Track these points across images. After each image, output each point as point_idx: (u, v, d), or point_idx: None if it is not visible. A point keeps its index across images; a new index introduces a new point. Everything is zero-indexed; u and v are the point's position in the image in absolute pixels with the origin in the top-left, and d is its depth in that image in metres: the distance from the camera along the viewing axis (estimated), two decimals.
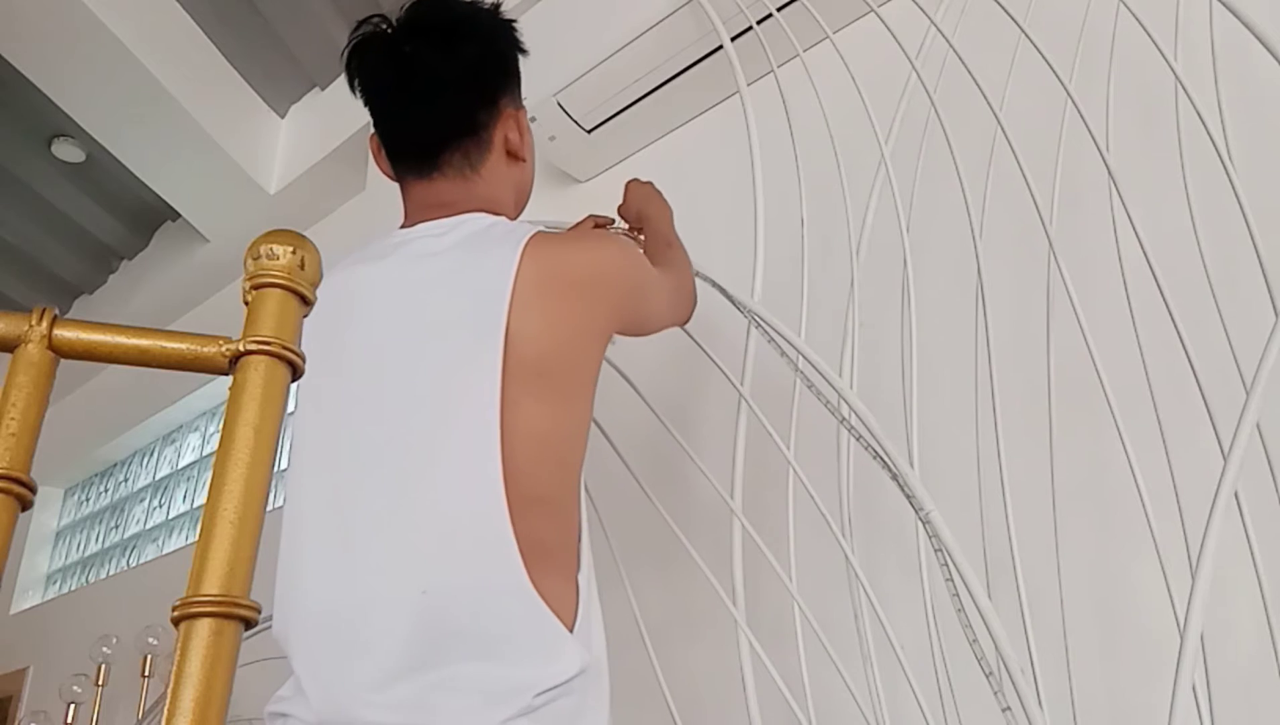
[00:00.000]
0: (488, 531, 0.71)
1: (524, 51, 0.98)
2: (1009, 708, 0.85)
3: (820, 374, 1.05)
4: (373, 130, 0.96)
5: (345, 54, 0.92)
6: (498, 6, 0.96)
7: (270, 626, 0.78)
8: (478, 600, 0.71)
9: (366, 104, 0.93)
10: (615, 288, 0.86)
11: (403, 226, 0.92)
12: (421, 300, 0.81)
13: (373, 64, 0.92)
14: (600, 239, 0.92)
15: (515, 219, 0.95)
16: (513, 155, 0.95)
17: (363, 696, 0.69)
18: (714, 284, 1.19)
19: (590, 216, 1.29)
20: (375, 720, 0.68)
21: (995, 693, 0.85)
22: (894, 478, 0.94)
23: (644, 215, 1.17)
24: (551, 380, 0.78)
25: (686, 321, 1.09)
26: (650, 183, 1.22)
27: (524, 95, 1.00)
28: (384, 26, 0.91)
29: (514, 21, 0.96)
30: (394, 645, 0.69)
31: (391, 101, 0.92)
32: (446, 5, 0.92)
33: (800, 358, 1.09)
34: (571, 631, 0.73)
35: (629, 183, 1.23)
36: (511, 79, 0.96)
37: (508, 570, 0.70)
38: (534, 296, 0.78)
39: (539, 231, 0.84)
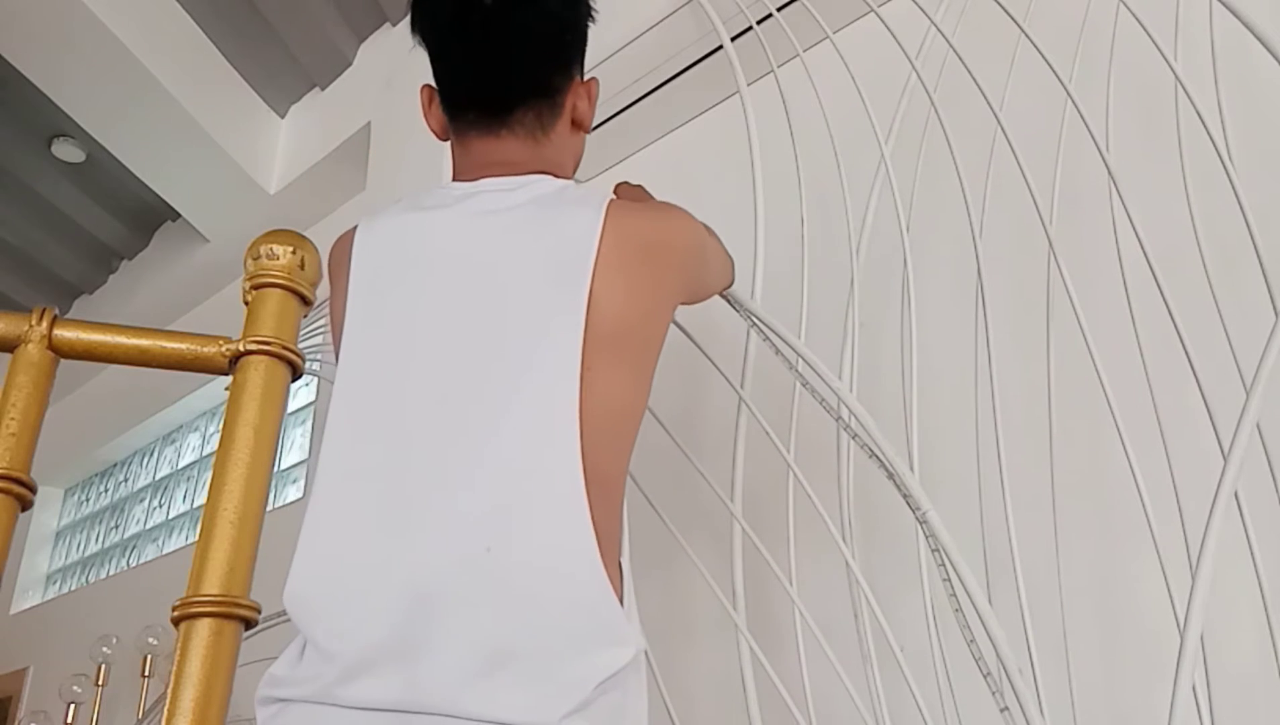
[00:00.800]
0: (563, 503, 0.68)
1: (594, 20, 0.94)
2: (1007, 708, 0.85)
3: (819, 376, 1.05)
4: (427, 83, 0.91)
5: (424, 6, 0.88)
6: None
7: (270, 626, 0.78)
8: (550, 571, 0.67)
9: (432, 48, 0.89)
10: (689, 255, 0.87)
11: (459, 180, 0.88)
12: (494, 255, 0.77)
13: (449, 10, 0.87)
14: (670, 207, 0.90)
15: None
16: (578, 124, 0.93)
17: (425, 664, 0.64)
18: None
19: (624, 183, 1.22)
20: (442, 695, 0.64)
21: (994, 693, 0.85)
22: (890, 477, 0.94)
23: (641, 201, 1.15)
24: (627, 352, 0.75)
25: (731, 284, 1.09)
26: (640, 186, 1.18)
27: None
28: None
29: None
30: (457, 609, 0.65)
31: (466, 50, 0.87)
32: None
33: (799, 360, 1.09)
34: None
35: (619, 186, 1.20)
36: (583, 48, 0.93)
37: (583, 546, 0.67)
38: (617, 263, 0.75)
39: (614, 198, 0.82)
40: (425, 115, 0.92)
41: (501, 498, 0.68)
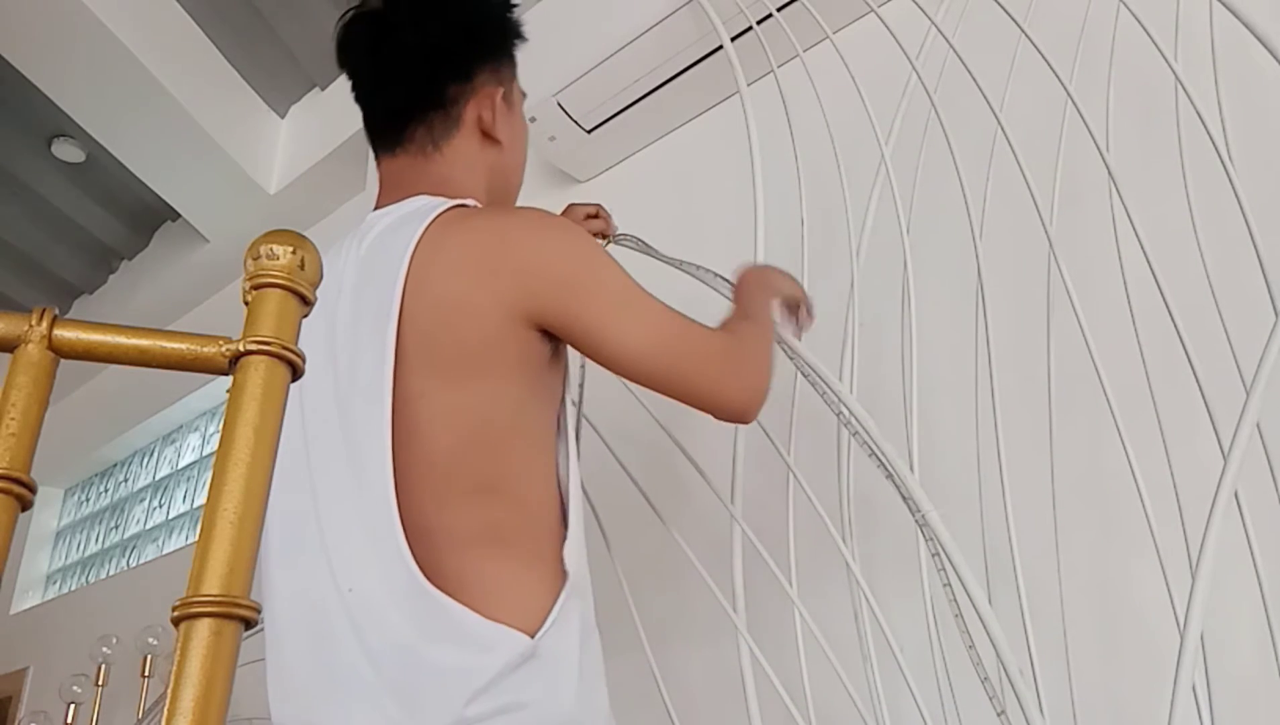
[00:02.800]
0: (382, 527, 0.69)
1: (520, 35, 0.95)
2: (1004, 711, 0.85)
3: (819, 377, 1.05)
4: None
5: (336, 29, 0.91)
6: None
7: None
8: (387, 595, 0.69)
9: (349, 78, 0.92)
10: (523, 267, 0.75)
11: (373, 210, 0.90)
12: (339, 297, 0.79)
13: (355, 34, 0.90)
14: (528, 215, 0.80)
15: (486, 204, 0.90)
16: (486, 135, 0.90)
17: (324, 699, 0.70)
18: (718, 282, 1.19)
19: (572, 206, 1.20)
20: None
21: (991, 698, 0.85)
22: (890, 478, 0.94)
23: (743, 291, 1.00)
24: (455, 363, 0.73)
25: (724, 406, 0.81)
26: (773, 270, 1.05)
27: (523, 91, 0.99)
28: (371, 4, 0.90)
29: (515, 5, 0.94)
30: (336, 645, 0.70)
31: (363, 73, 0.91)
32: None
33: (800, 360, 1.09)
34: (542, 620, 0.70)
35: (749, 272, 1.04)
36: (493, 55, 0.92)
37: (400, 567, 0.69)
38: (427, 274, 0.74)
39: (457, 207, 0.80)
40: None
41: (350, 543, 0.72)
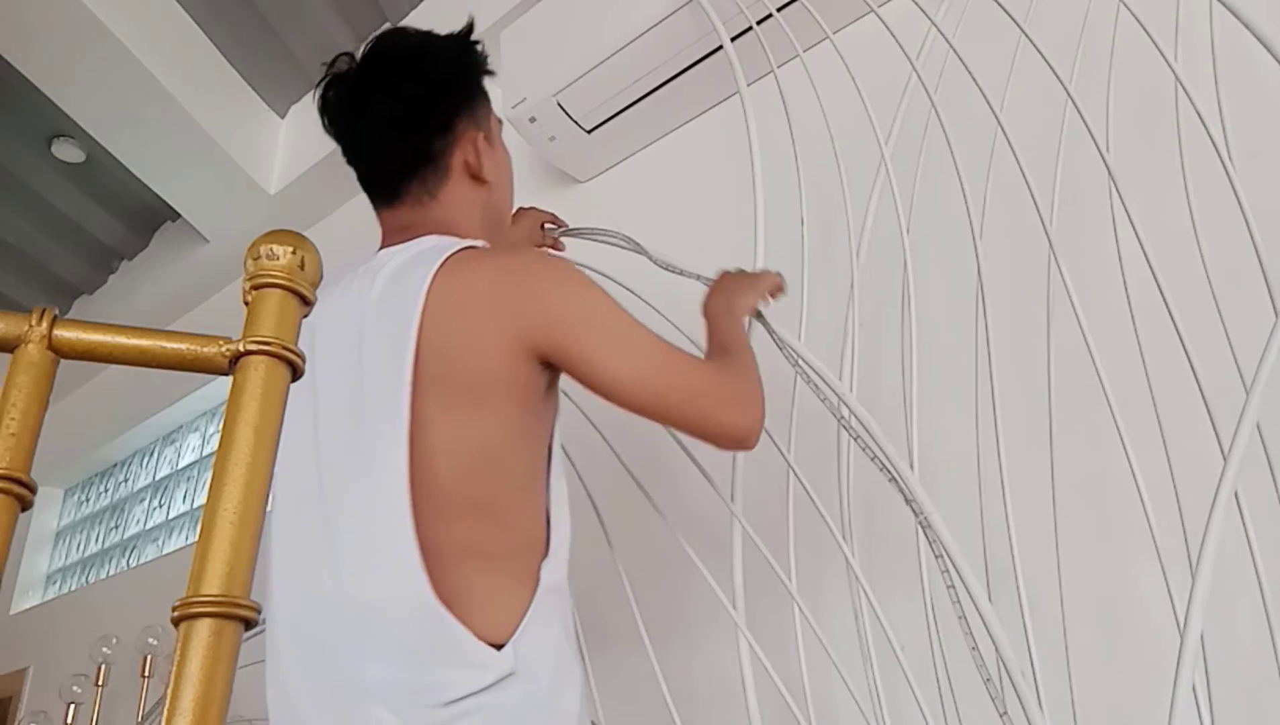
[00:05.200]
0: (396, 547, 0.74)
1: (489, 72, 1.00)
2: (1006, 712, 0.85)
3: (820, 377, 1.05)
4: None
5: (316, 96, 0.97)
6: (458, 33, 0.98)
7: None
8: (390, 610, 0.74)
9: (337, 142, 0.98)
10: (523, 311, 0.80)
11: (378, 250, 0.95)
12: (361, 328, 0.83)
13: (335, 104, 0.95)
14: (532, 259, 0.87)
15: (484, 238, 0.95)
16: (475, 177, 0.96)
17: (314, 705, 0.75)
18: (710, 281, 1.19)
19: (526, 211, 1.30)
20: None
21: (994, 699, 0.85)
22: (892, 479, 0.94)
23: (713, 323, 1.03)
24: (463, 392, 0.79)
25: (722, 435, 0.86)
26: (744, 274, 1.09)
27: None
28: (345, 65, 0.95)
29: (476, 43, 0.98)
30: (335, 657, 0.75)
31: (351, 139, 0.96)
32: (400, 40, 0.96)
33: (800, 361, 1.09)
34: (509, 637, 0.75)
35: (722, 278, 1.09)
36: (468, 103, 0.97)
37: (411, 581, 0.73)
38: (441, 310, 0.80)
39: (469, 248, 0.85)
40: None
41: (360, 557, 0.76)
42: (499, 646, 0.74)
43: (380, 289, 0.85)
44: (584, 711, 0.79)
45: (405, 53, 0.95)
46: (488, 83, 1.00)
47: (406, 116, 0.93)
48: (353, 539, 0.77)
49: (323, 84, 0.96)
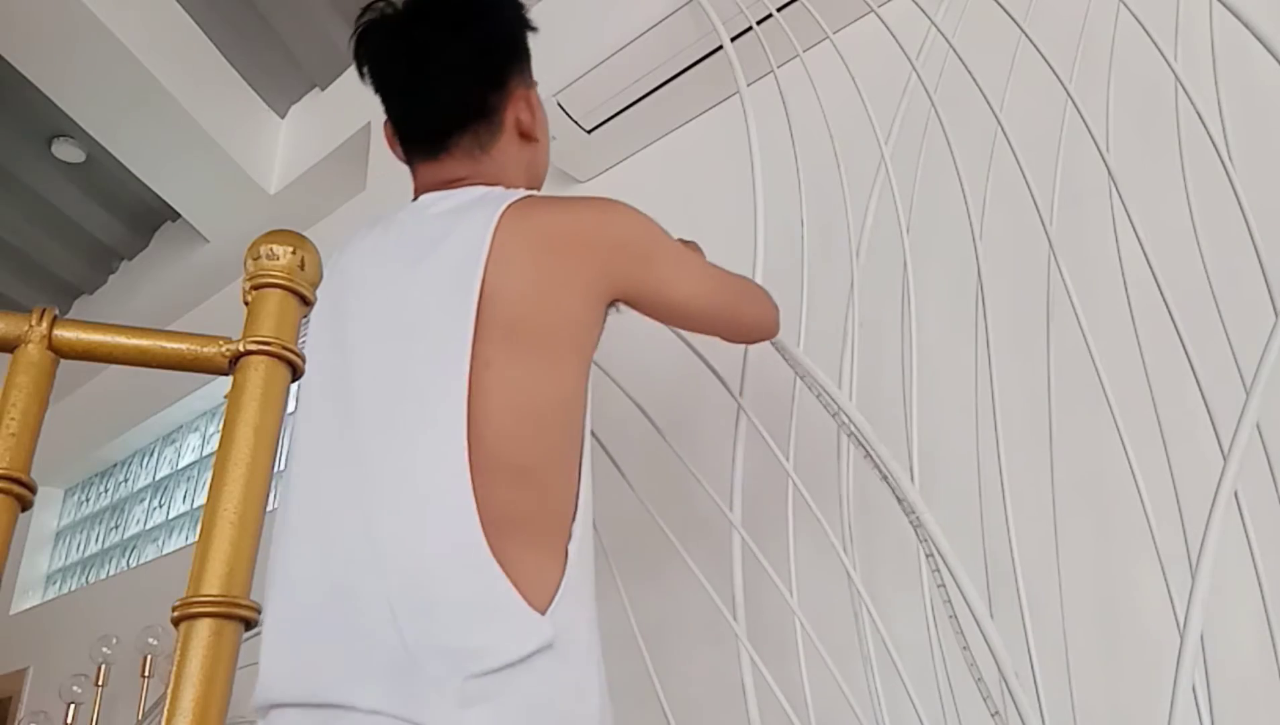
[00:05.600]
0: (450, 497, 0.70)
1: (533, 29, 0.98)
2: (998, 712, 0.85)
3: (817, 382, 1.05)
4: (385, 119, 0.96)
5: (353, 39, 0.92)
6: None
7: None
8: (439, 567, 0.70)
9: (377, 90, 0.94)
10: (601, 245, 0.83)
11: (415, 199, 0.93)
12: (408, 268, 0.81)
13: (381, 50, 0.92)
14: (593, 199, 0.88)
15: (538, 180, 0.97)
16: (525, 135, 0.95)
17: (345, 672, 0.68)
18: None
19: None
20: (354, 699, 0.67)
21: (985, 699, 0.85)
22: (884, 478, 0.94)
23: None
24: (530, 341, 0.76)
25: (757, 328, 1.02)
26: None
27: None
28: (389, 10, 0.91)
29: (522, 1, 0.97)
30: (374, 616, 0.69)
31: (402, 88, 0.93)
32: None
33: (797, 362, 1.09)
34: (546, 608, 0.71)
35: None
36: (521, 59, 0.96)
37: (465, 536, 0.69)
38: (512, 255, 0.77)
39: (531, 195, 0.84)
40: (390, 148, 0.98)
41: (408, 510, 0.71)
42: (539, 615, 0.70)
43: (433, 229, 0.82)
44: (607, 692, 0.76)
45: (461, 3, 0.92)
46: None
47: (466, 67, 0.90)
48: (397, 494, 0.72)
49: (362, 28, 0.92)
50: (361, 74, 0.94)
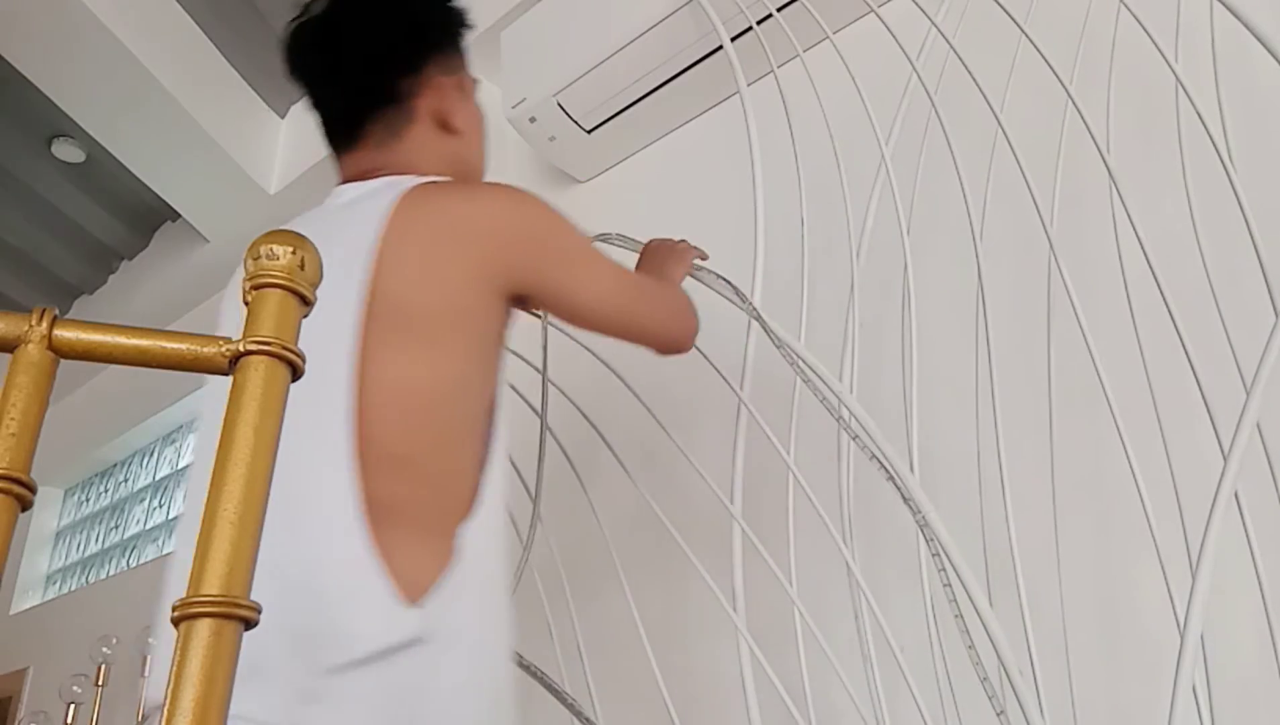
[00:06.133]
0: (333, 487, 0.69)
1: (464, 24, 0.98)
2: (1003, 711, 0.85)
3: (820, 378, 1.05)
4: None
5: (283, 39, 0.94)
6: None
7: None
8: (320, 558, 0.69)
9: (299, 83, 0.94)
10: (498, 235, 0.81)
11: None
12: None
13: (301, 44, 0.93)
14: (501, 189, 0.86)
15: (476, 174, 0.96)
16: (444, 125, 0.94)
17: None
18: (719, 275, 1.19)
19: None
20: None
21: (990, 697, 0.85)
22: (890, 478, 0.94)
23: (655, 258, 1.15)
24: (414, 328, 0.75)
25: (668, 341, 0.99)
26: (670, 242, 1.18)
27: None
28: (314, 10, 0.93)
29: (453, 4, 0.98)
30: (269, 609, 0.68)
31: (315, 79, 0.93)
32: None
33: (800, 361, 1.09)
34: (419, 600, 0.69)
35: (651, 243, 1.19)
36: (440, 49, 0.95)
37: (344, 526, 0.68)
38: (402, 241, 0.76)
39: (433, 181, 0.84)
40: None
41: (299, 504, 0.69)
42: (410, 607, 0.68)
43: (334, 222, 0.82)
44: (507, 692, 0.74)
45: None
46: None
47: (375, 54, 0.91)
48: (286, 486, 0.69)
49: (289, 31, 0.93)
50: (289, 74, 0.95)
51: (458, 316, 0.78)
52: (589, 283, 0.88)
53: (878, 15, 1.22)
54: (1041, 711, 0.81)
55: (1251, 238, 0.84)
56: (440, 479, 0.76)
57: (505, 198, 0.84)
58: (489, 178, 1.01)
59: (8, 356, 0.34)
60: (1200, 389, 0.86)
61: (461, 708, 0.70)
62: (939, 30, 1.14)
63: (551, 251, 0.85)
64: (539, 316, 1.30)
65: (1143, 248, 0.91)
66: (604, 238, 1.29)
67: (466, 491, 0.77)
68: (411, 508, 0.73)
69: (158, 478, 3.20)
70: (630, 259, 1.31)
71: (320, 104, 0.94)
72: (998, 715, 0.87)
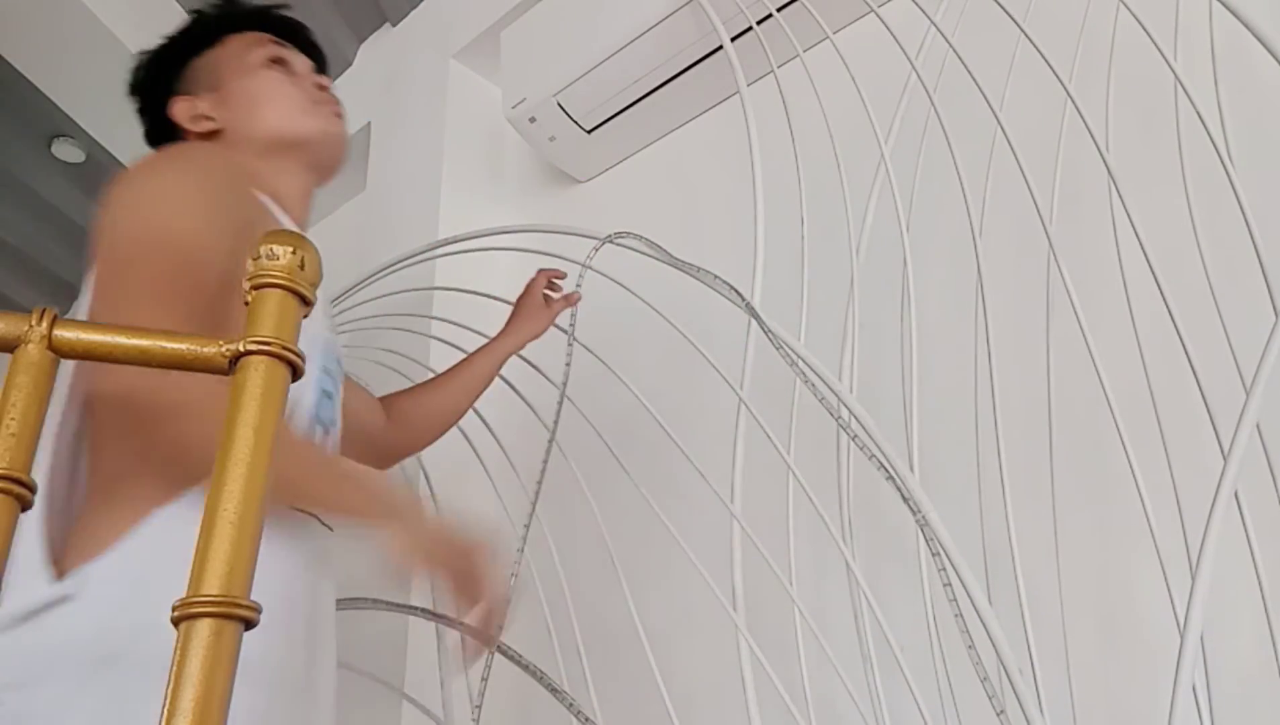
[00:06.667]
0: (40, 468, 0.77)
1: (189, 53, 1.17)
2: (1003, 711, 0.85)
3: (819, 377, 1.05)
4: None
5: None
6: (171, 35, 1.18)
7: None
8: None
9: None
10: (104, 237, 0.92)
11: None
12: None
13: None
14: (140, 173, 0.95)
15: (264, 161, 1.04)
16: (212, 134, 1.05)
17: None
18: (718, 276, 1.19)
19: (541, 272, 1.41)
20: None
21: (990, 697, 0.85)
22: (890, 478, 0.94)
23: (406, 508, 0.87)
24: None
25: (164, 438, 0.77)
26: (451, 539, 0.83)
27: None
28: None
29: (172, 36, 1.19)
30: None
31: None
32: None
33: (800, 361, 1.09)
34: (75, 566, 0.72)
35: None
36: (174, 81, 1.14)
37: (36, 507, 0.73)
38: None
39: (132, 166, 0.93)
40: None
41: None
42: (61, 574, 0.71)
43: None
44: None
45: (135, 69, 1.14)
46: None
47: (151, 125, 1.11)
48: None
49: None
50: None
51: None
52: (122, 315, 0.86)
53: (878, 15, 1.22)
54: (1041, 711, 0.81)
55: (1251, 237, 0.84)
56: (112, 459, 0.84)
57: (121, 193, 0.96)
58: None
59: (8, 356, 0.34)
60: (1200, 389, 0.86)
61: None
62: (939, 30, 1.14)
63: (110, 277, 0.93)
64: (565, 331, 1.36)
65: (1142, 247, 0.91)
66: (619, 241, 1.29)
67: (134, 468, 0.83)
68: (114, 471, 0.82)
69: None
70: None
71: None
72: (998, 715, 0.87)
